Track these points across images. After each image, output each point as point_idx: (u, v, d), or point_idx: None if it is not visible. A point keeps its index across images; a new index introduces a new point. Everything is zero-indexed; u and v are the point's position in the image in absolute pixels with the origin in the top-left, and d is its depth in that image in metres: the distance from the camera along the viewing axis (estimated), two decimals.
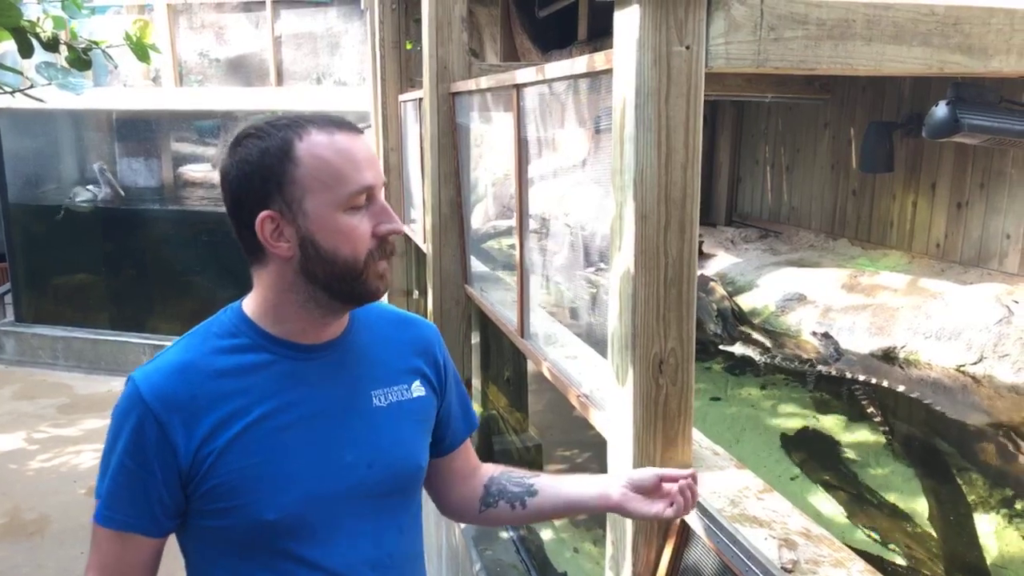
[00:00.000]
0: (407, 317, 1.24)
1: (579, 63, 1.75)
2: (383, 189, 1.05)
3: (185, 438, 1.00)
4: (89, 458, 5.78)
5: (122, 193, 8.29)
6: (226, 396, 1.02)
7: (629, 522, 1.49)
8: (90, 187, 8.35)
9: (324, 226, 1.00)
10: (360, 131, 1.05)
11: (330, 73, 8.39)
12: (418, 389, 1.16)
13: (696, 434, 1.56)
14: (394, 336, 1.18)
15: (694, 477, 1.17)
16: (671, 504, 1.16)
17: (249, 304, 1.09)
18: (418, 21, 5.38)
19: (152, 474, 1.00)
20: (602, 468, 1.64)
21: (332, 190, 0.99)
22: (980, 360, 2.98)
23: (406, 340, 1.19)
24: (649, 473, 1.18)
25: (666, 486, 1.17)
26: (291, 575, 1.04)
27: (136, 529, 1.02)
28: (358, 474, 1.07)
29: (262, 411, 1.03)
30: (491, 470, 1.30)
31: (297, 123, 1.01)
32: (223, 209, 1.11)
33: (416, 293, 5.57)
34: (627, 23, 1.35)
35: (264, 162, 1.00)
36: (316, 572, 1.05)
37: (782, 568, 1.18)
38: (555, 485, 1.24)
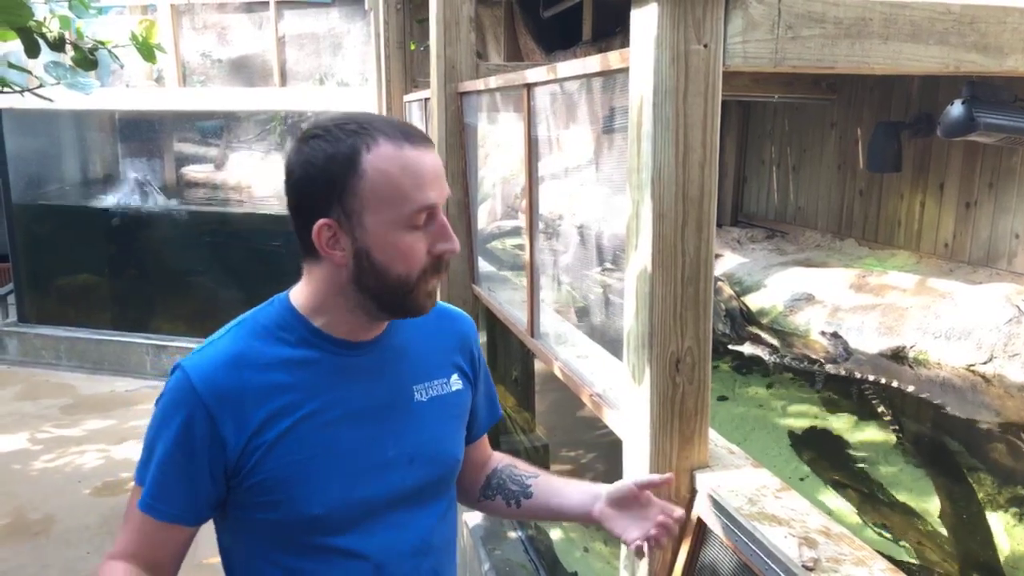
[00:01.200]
0: (445, 310, 1.25)
1: (593, 62, 1.75)
2: (444, 204, 1.04)
3: (235, 432, 1.00)
4: (93, 458, 5.77)
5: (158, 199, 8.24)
6: (275, 390, 1.02)
7: None
8: (146, 187, 8.30)
9: (381, 242, 0.99)
10: (430, 142, 1.04)
11: (332, 73, 8.38)
12: (456, 383, 1.18)
13: (712, 433, 1.56)
14: (434, 330, 1.19)
15: (663, 522, 1.14)
16: (647, 535, 1.13)
17: (297, 297, 1.08)
18: (421, 22, 5.38)
19: (200, 467, 1.00)
20: (609, 469, 1.64)
21: (393, 208, 0.98)
22: (990, 360, 2.98)
23: (445, 334, 1.20)
24: (626, 484, 1.16)
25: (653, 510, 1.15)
26: (333, 564, 1.06)
27: (180, 520, 1.03)
28: (400, 469, 1.09)
29: (311, 408, 1.03)
30: (496, 461, 1.34)
31: (366, 130, 0.99)
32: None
33: None
34: (645, 22, 1.35)
35: (329, 168, 0.98)
36: (358, 561, 1.07)
37: (803, 566, 1.18)
38: (550, 491, 1.26)
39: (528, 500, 1.26)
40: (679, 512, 1.14)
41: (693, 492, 1.48)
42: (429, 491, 1.13)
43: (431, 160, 1.01)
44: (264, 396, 1.02)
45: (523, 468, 1.32)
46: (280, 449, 1.01)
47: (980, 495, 2.46)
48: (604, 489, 1.19)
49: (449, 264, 1.07)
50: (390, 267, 1.00)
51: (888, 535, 2.29)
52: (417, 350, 1.15)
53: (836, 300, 3.73)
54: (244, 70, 8.46)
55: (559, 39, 6.36)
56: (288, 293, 1.10)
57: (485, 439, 1.35)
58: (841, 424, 3.00)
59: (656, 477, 1.15)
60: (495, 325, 3.46)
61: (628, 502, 1.16)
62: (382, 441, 1.08)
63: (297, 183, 1.02)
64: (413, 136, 1.01)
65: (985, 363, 3.00)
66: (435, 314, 1.20)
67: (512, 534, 2.92)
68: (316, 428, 1.03)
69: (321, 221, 1.00)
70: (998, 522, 2.32)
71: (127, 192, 8.28)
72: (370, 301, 1.04)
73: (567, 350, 2.33)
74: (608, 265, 2.24)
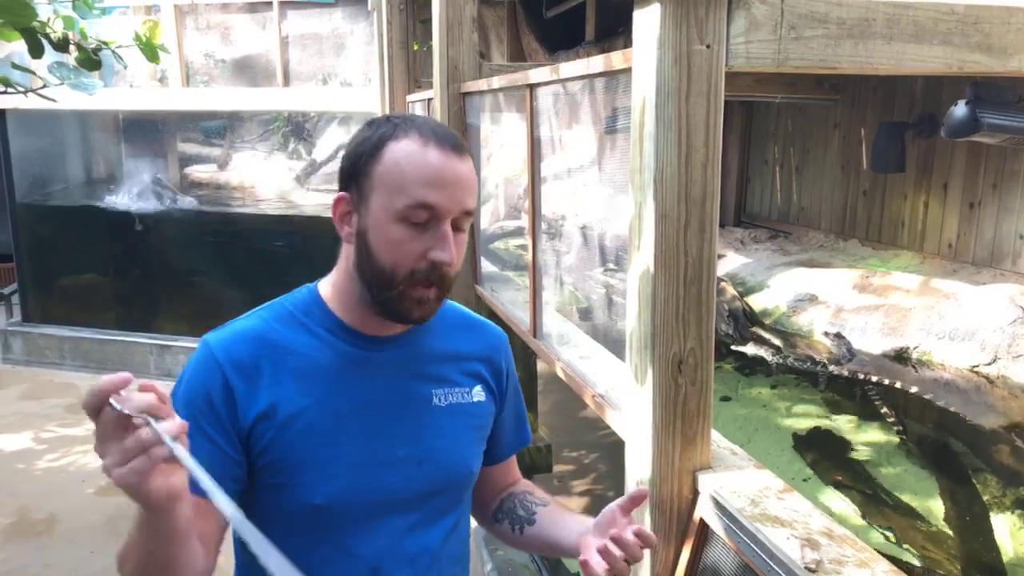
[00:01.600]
0: (477, 321, 1.24)
1: (596, 62, 1.74)
2: (461, 219, 1.02)
3: (247, 405, 1.01)
4: (97, 458, 5.77)
5: (177, 199, 8.22)
6: (291, 372, 1.03)
7: (647, 521, 1.48)
8: (160, 189, 8.30)
9: (377, 228, 1.00)
10: (462, 151, 1.03)
11: (335, 74, 8.39)
12: (479, 394, 1.15)
13: (714, 434, 1.56)
14: (462, 338, 1.17)
15: (638, 534, 1.03)
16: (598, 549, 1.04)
17: (324, 285, 1.10)
18: (424, 22, 5.39)
19: (225, 432, 1.00)
20: (611, 469, 1.64)
21: (392, 196, 0.99)
22: (994, 361, 2.97)
23: (473, 343, 1.18)
24: (607, 508, 1.09)
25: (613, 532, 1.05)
26: (329, 561, 1.05)
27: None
28: (407, 471, 1.07)
29: (322, 395, 1.03)
30: (516, 487, 1.29)
31: (405, 126, 1.02)
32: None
33: None
34: (647, 22, 1.34)
35: (359, 150, 1.03)
36: (354, 561, 1.05)
37: (805, 568, 1.17)
38: (551, 521, 1.22)
39: (530, 528, 1.23)
40: (637, 526, 1.05)
41: (695, 493, 1.48)
42: (437, 499, 1.11)
43: (453, 166, 1.00)
44: (278, 377, 1.02)
45: (537, 496, 1.27)
46: (289, 433, 1.01)
47: (986, 497, 2.45)
48: (591, 521, 1.13)
49: (448, 282, 1.03)
50: (378, 254, 1.00)
51: (891, 537, 2.29)
52: (441, 355, 1.14)
53: (839, 301, 3.72)
54: (247, 70, 8.47)
55: (562, 39, 6.36)
56: (318, 282, 1.11)
57: (513, 464, 1.30)
58: (844, 425, 2.99)
59: (632, 492, 1.09)
60: (498, 326, 3.46)
61: (607, 528, 1.08)
62: (393, 439, 1.06)
63: (342, 158, 1.07)
64: (444, 141, 1.01)
65: (989, 364, 2.99)
66: (466, 323, 1.20)
67: None
68: (326, 417, 1.03)
69: (340, 194, 1.04)
70: (1002, 524, 2.32)
71: (142, 192, 8.28)
72: (367, 291, 1.03)
73: (570, 351, 2.33)
74: (611, 265, 2.24)
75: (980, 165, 3.60)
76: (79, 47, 2.83)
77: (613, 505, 1.10)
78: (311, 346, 1.05)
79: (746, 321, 3.91)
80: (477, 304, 3.41)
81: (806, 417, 3.09)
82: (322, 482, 1.02)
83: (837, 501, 2.49)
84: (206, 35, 8.46)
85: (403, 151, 1.00)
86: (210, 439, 1.00)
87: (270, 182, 8.03)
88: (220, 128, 8.43)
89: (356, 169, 1.02)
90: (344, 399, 1.04)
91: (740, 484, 1.43)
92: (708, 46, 1.32)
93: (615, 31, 5.65)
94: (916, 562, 2.17)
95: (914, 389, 3.05)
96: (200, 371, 1.02)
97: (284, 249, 7.41)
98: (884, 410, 2.96)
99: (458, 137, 1.05)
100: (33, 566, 4.34)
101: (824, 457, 2.79)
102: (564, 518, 1.22)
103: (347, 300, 1.07)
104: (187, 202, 8.18)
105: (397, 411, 1.07)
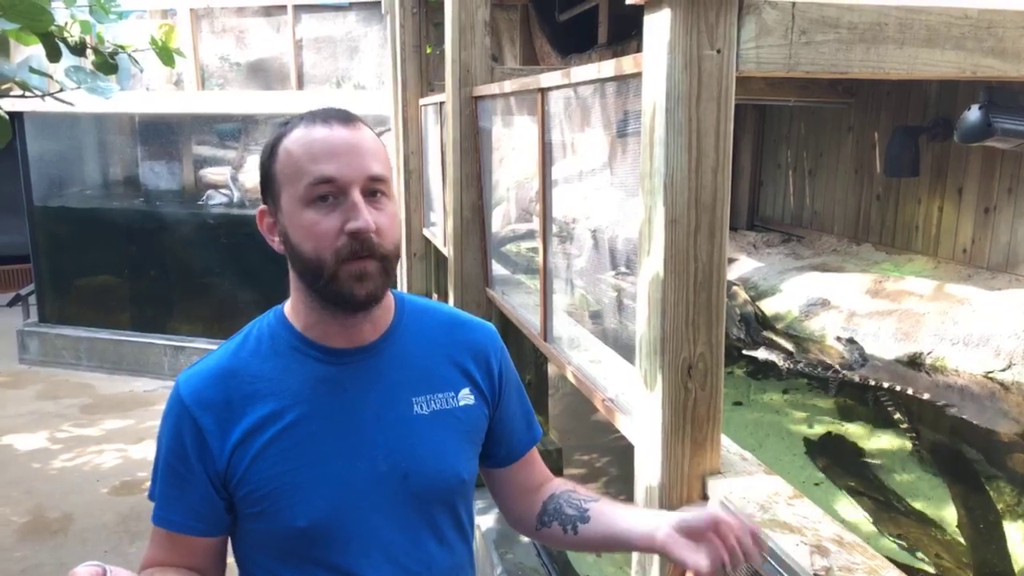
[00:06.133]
0: (461, 319, 1.19)
1: (606, 67, 1.74)
2: (372, 186, 0.98)
3: (219, 440, 1.00)
4: (111, 458, 5.83)
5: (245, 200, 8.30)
6: (261, 399, 1.02)
7: None
8: (223, 190, 8.39)
9: (292, 221, 0.99)
10: (350, 121, 1.01)
11: (349, 77, 8.43)
12: (466, 397, 1.11)
13: (724, 439, 1.55)
14: (444, 339, 1.13)
15: (753, 535, 1.00)
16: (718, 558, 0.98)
17: (287, 306, 1.09)
18: (438, 25, 5.41)
19: (195, 474, 1.01)
20: (622, 473, 1.63)
21: (293, 184, 0.98)
22: (1009, 367, 2.94)
23: (457, 344, 1.14)
24: (703, 514, 1.02)
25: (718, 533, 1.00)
26: None
27: (191, 531, 1.03)
28: (392, 484, 1.04)
29: (295, 416, 1.01)
30: (555, 486, 1.24)
31: (295, 121, 1.02)
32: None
33: (435, 296, 5.58)
34: (657, 26, 1.34)
35: (262, 159, 1.04)
36: None
37: (814, 575, 1.17)
38: (608, 514, 1.15)
39: (585, 525, 1.15)
40: (747, 527, 1.00)
41: (705, 499, 1.47)
42: (429, 511, 1.07)
43: (340, 135, 0.98)
44: (248, 406, 1.01)
45: (583, 493, 1.21)
46: (265, 459, 1.00)
47: (1000, 504, 2.43)
48: (669, 515, 1.07)
49: (383, 252, 0.99)
50: (302, 247, 0.98)
51: (904, 544, 2.27)
52: (420, 360, 1.09)
53: (852, 305, 3.70)
54: (262, 73, 8.54)
55: (575, 43, 6.37)
56: (284, 303, 1.10)
57: (534, 461, 1.25)
58: (856, 431, 2.97)
59: (735, 522, 1.01)
60: (508, 329, 3.46)
61: (699, 531, 1.01)
62: (372, 454, 1.03)
63: None
64: (332, 117, 1.00)
65: (1004, 370, 2.96)
66: (449, 323, 1.16)
67: (524, 538, 2.91)
68: (300, 439, 1.01)
69: (260, 208, 1.05)
70: (1016, 532, 2.30)
71: (208, 194, 8.33)
72: (311, 291, 1.02)
73: (580, 354, 2.33)
74: (622, 269, 2.24)
75: (995, 170, 3.57)
76: (96, 51, 2.86)
77: (706, 515, 1.01)
78: (280, 369, 1.03)
79: (758, 325, 3.90)
80: (488, 307, 3.42)
81: (818, 422, 3.08)
82: (302, 504, 1.00)
83: (849, 507, 2.48)
84: (221, 38, 8.53)
85: (292, 140, 1.00)
86: (188, 484, 1.01)
87: None
88: (234, 131, 8.49)
89: (263, 178, 1.03)
90: (318, 418, 1.02)
91: (750, 490, 1.42)
92: (718, 51, 1.32)
93: (628, 34, 5.64)
94: (928, 569, 2.16)
95: (927, 395, 3.02)
96: (171, 416, 1.03)
97: None
98: (897, 416, 2.94)
99: (347, 111, 1.03)
100: (48, 564, 4.38)
101: (836, 463, 2.77)
102: (624, 510, 1.15)
103: (306, 314, 1.05)
104: (248, 202, 8.18)
105: (375, 424, 1.04)
